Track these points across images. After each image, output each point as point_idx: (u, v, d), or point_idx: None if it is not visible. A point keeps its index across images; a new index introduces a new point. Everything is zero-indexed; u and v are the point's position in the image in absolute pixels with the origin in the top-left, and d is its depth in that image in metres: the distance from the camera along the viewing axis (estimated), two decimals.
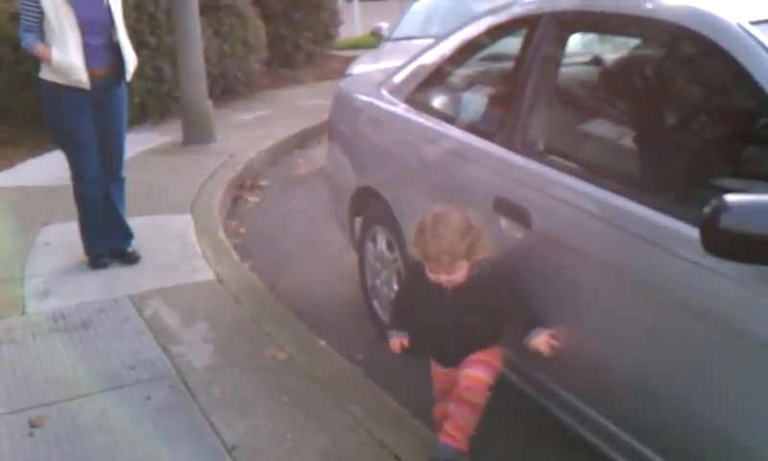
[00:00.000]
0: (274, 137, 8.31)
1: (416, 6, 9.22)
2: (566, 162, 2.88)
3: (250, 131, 8.62)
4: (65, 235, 5.16)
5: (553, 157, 2.93)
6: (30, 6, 4.42)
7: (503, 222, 2.93)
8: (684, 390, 2.29)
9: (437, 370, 2.98)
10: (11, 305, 4.33)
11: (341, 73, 11.01)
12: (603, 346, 2.59)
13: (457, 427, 2.80)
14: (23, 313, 4.24)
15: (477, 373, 2.80)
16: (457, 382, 2.81)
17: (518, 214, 2.86)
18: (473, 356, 2.83)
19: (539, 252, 2.81)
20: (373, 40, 11.26)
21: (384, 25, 9.16)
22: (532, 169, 2.91)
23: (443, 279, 2.75)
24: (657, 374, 2.38)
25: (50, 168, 6.84)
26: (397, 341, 2.97)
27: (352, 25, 17.12)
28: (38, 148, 7.79)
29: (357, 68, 7.60)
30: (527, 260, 2.87)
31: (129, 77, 4.69)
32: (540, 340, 2.73)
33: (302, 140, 8.59)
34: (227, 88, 10.02)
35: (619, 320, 2.52)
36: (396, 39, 8.49)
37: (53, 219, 5.62)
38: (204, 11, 8.24)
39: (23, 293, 4.49)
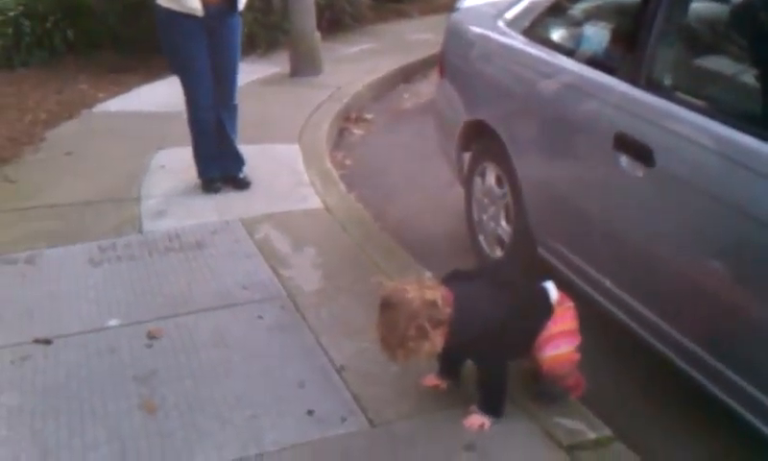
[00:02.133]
0: (379, 71, 8.27)
1: None
2: (693, 100, 2.78)
3: (356, 64, 8.61)
4: (179, 159, 5.30)
5: (679, 94, 2.84)
6: None
7: (623, 159, 2.86)
8: None
9: None
10: (128, 224, 4.50)
11: (448, 7, 10.81)
12: (724, 288, 2.51)
13: (562, 384, 2.80)
14: (140, 231, 4.40)
15: (551, 352, 2.70)
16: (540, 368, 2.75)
17: (641, 152, 2.78)
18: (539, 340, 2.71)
19: (661, 190, 2.74)
20: None
21: None
22: (657, 106, 2.83)
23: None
24: None
25: (164, 94, 7.03)
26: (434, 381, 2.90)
27: None
28: (152, 75, 7.98)
29: (468, 1, 7.45)
30: (648, 199, 2.80)
31: (241, 6, 4.72)
32: (476, 420, 2.66)
33: (408, 75, 8.52)
34: (333, 21, 9.99)
35: (743, 262, 2.44)
36: None
37: (167, 143, 5.78)
38: None
39: (140, 212, 4.66)
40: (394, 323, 2.53)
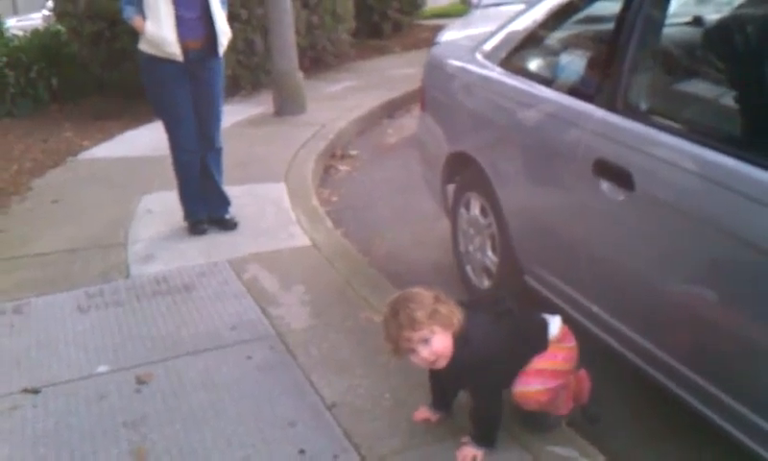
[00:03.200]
0: (363, 107, 8.35)
1: None
2: (670, 123, 2.82)
3: (339, 101, 8.68)
4: (165, 203, 5.32)
5: (656, 118, 2.87)
6: None
7: (604, 185, 2.89)
8: None
9: None
10: (115, 269, 4.50)
11: (429, 42, 10.98)
12: (708, 308, 2.53)
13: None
14: (127, 276, 4.40)
15: (521, 387, 2.68)
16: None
17: (620, 176, 2.80)
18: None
19: (642, 214, 2.76)
20: (460, 9, 11.21)
21: None
22: (634, 130, 2.86)
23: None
24: (765, 334, 2.32)
25: (149, 139, 7.06)
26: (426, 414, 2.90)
27: None
28: (136, 120, 8.03)
29: (447, 35, 7.55)
30: (629, 223, 2.83)
31: (222, 50, 4.74)
32: (469, 452, 2.65)
33: (391, 110, 8.60)
34: (315, 60, 10.11)
35: (726, 282, 2.46)
36: (486, 6, 8.40)
37: (153, 187, 5.80)
38: None
39: (126, 257, 4.66)
40: (419, 299, 2.54)
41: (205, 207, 5.01)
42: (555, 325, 2.75)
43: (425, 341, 2.53)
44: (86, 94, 9.33)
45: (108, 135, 7.84)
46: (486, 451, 2.66)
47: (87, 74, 9.20)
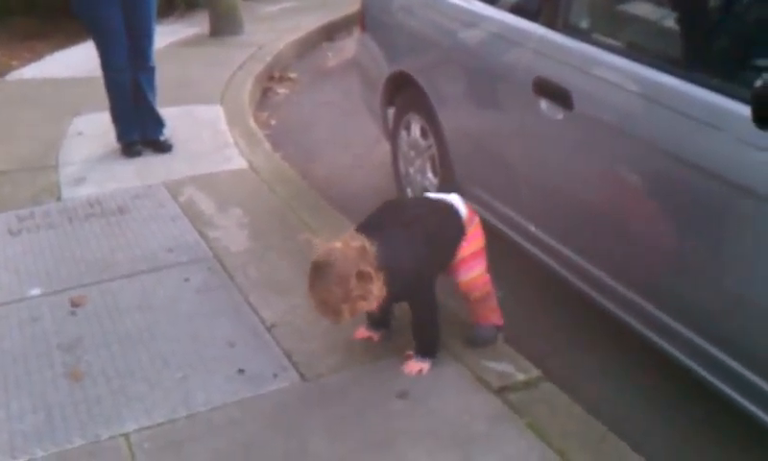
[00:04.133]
0: (302, 29, 8.16)
1: None
2: (610, 41, 2.82)
3: (277, 22, 8.47)
4: (97, 125, 5.16)
5: (596, 37, 2.87)
6: None
7: (543, 103, 2.89)
8: (720, 266, 2.29)
9: None
10: (47, 192, 4.37)
11: None
12: (645, 226, 2.57)
13: (492, 309, 2.86)
14: (59, 199, 4.28)
15: (466, 275, 2.76)
16: (457, 290, 2.81)
17: (559, 95, 2.80)
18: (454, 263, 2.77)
19: (579, 133, 2.77)
20: None
21: None
22: (574, 49, 2.85)
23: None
24: (696, 250, 2.37)
25: (81, 59, 6.80)
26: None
27: None
28: (66, 40, 7.73)
29: None
30: (567, 142, 2.84)
31: None
32: (414, 366, 2.70)
33: (331, 32, 8.43)
34: None
35: (658, 197, 2.50)
36: None
37: (84, 109, 5.61)
38: None
39: (58, 180, 4.53)
40: (335, 279, 2.47)
41: (139, 129, 4.87)
42: (461, 205, 2.80)
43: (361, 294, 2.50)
44: (14, 13, 8.92)
45: (37, 56, 7.56)
46: (431, 362, 2.70)
47: None
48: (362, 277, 2.47)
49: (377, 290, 2.52)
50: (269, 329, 2.98)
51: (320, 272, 2.51)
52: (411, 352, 2.75)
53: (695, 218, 2.36)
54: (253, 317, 3.08)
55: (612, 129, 2.63)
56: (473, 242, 2.78)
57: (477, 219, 2.85)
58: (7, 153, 4.96)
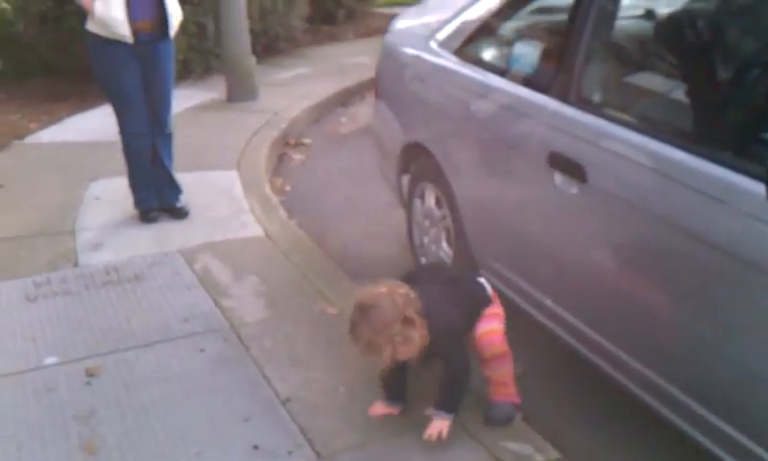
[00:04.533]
0: (316, 95, 8.28)
1: None
2: (623, 116, 2.84)
3: (292, 88, 8.60)
4: (115, 190, 5.22)
5: (609, 111, 2.90)
6: None
7: (558, 177, 2.91)
8: (736, 343, 2.28)
9: None
10: (63, 257, 4.40)
11: (382, 31, 10.86)
12: (656, 299, 2.57)
13: (500, 383, 2.85)
14: (76, 265, 4.30)
15: (485, 327, 2.83)
16: (475, 346, 2.83)
17: (574, 169, 2.82)
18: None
19: (594, 206, 2.79)
20: None
21: None
22: (587, 122, 2.88)
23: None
24: (710, 326, 2.36)
25: (98, 123, 6.89)
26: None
27: None
28: (84, 103, 7.84)
29: (401, 23, 7.51)
30: (582, 216, 2.85)
31: (172, 32, 4.66)
32: (436, 426, 2.71)
33: (344, 98, 8.54)
34: (268, 45, 9.96)
35: (673, 273, 2.50)
36: None
37: (102, 173, 5.67)
38: None
39: (75, 246, 4.56)
40: (380, 320, 2.55)
41: (156, 195, 4.92)
42: (487, 285, 2.96)
43: (403, 339, 2.56)
44: (33, 75, 9.08)
45: (56, 118, 7.65)
46: (450, 420, 2.73)
47: (34, 54, 8.94)
48: (407, 322, 2.57)
49: (419, 337, 2.59)
50: (284, 403, 2.97)
51: (365, 313, 2.58)
52: (431, 411, 2.76)
53: (709, 294, 2.36)
54: (268, 390, 3.07)
55: (627, 203, 2.64)
56: (494, 309, 2.88)
57: (495, 295, 2.95)
58: (24, 217, 5.00)
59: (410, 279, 2.80)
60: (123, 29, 4.42)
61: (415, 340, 2.58)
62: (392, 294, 2.59)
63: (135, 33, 4.47)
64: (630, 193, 2.63)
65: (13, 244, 4.61)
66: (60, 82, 8.56)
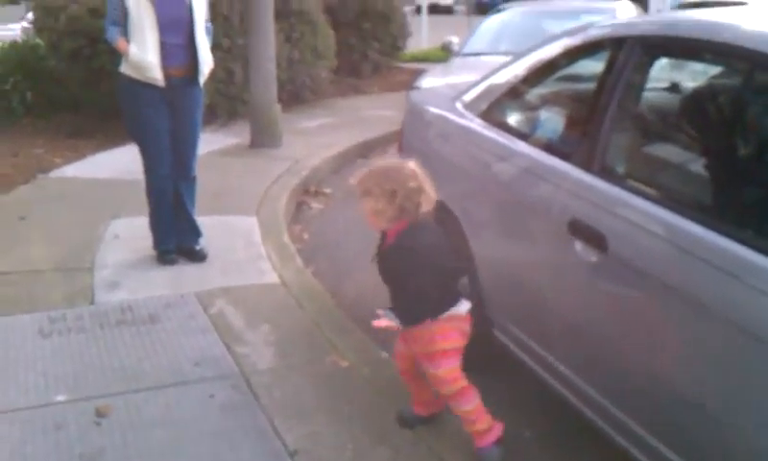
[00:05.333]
0: (338, 145, 8.36)
1: (486, 22, 9.21)
2: (645, 188, 2.84)
3: (315, 137, 8.69)
4: (134, 229, 5.26)
5: (632, 182, 2.90)
6: (115, 1, 4.53)
7: (578, 245, 2.90)
8: (755, 418, 2.25)
9: (396, 350, 3.16)
10: (80, 295, 4.42)
11: (406, 85, 11.07)
12: (674, 373, 2.54)
13: (472, 421, 2.93)
14: (92, 303, 4.33)
15: (432, 371, 2.91)
16: (433, 383, 2.95)
17: (594, 238, 2.82)
18: (417, 351, 2.96)
19: (614, 276, 2.78)
20: (439, 54, 11.32)
21: (454, 39, 9.15)
22: (610, 193, 2.88)
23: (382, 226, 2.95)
24: (727, 401, 2.33)
25: (122, 161, 7.00)
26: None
27: (419, 37, 17.16)
28: (109, 141, 7.96)
29: (427, 82, 7.62)
30: (601, 285, 2.84)
31: (203, 79, 4.75)
32: (383, 322, 2.88)
33: (366, 150, 8.61)
34: (294, 94, 10.11)
35: (691, 348, 2.48)
36: (466, 55, 8.48)
37: (123, 212, 5.73)
38: (277, 16, 8.29)
39: (92, 283, 4.59)
40: (381, 173, 2.90)
41: (176, 237, 4.96)
42: (465, 304, 2.99)
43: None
44: (61, 110, 9.23)
45: (81, 154, 7.77)
46: (398, 327, 2.87)
47: (63, 90, 9.11)
48: (391, 195, 2.84)
49: (390, 215, 2.85)
50: (291, 456, 2.95)
51: (381, 164, 3.01)
52: (382, 311, 2.90)
53: (728, 369, 2.33)
54: (276, 441, 3.05)
55: (646, 274, 2.63)
56: (449, 340, 2.91)
57: (464, 326, 2.97)
58: (44, 252, 5.04)
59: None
60: (156, 73, 4.51)
61: (373, 208, 2.87)
62: (413, 174, 2.85)
63: (167, 77, 4.55)
64: (649, 264, 2.62)
65: (32, 277, 4.65)
66: (87, 118, 8.70)
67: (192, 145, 4.88)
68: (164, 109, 4.67)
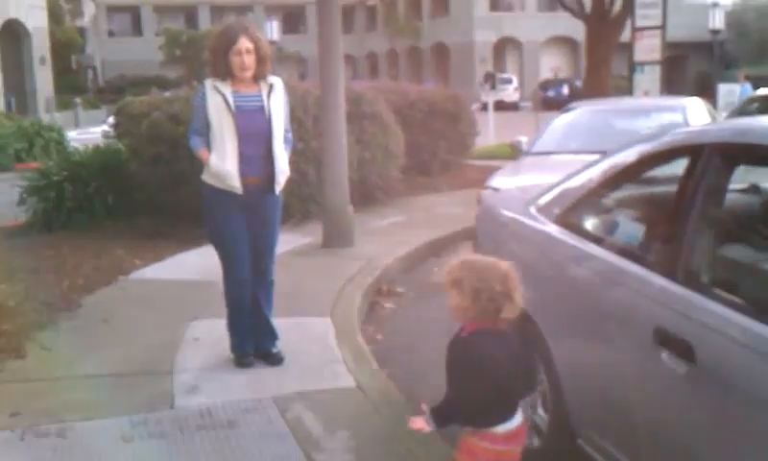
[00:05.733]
0: (410, 244, 8.42)
1: (556, 121, 9.28)
2: (733, 297, 2.79)
3: (386, 236, 8.78)
4: (213, 332, 5.35)
5: (718, 291, 2.85)
6: (199, 112, 4.74)
7: (664, 354, 2.85)
8: None
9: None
10: (160, 398, 4.49)
11: (476, 182, 11.15)
12: None
13: None
14: (172, 407, 4.39)
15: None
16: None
17: (681, 348, 2.77)
18: None
19: (703, 388, 2.71)
20: (507, 151, 11.40)
21: (523, 139, 9.23)
22: (695, 301, 2.83)
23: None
24: None
25: (198, 263, 7.16)
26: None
27: (486, 134, 17.34)
28: (187, 243, 8.15)
29: (498, 181, 7.67)
30: (690, 397, 2.77)
31: (278, 188, 4.85)
32: (419, 423, 2.90)
33: (438, 248, 8.65)
34: (365, 193, 10.26)
35: None
36: (536, 154, 8.53)
37: (201, 314, 5.84)
38: (348, 118, 8.52)
39: (172, 386, 4.66)
40: (473, 268, 2.90)
41: (253, 340, 5.02)
42: (519, 416, 2.92)
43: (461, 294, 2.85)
44: (140, 213, 9.53)
45: (160, 256, 7.96)
46: (432, 429, 2.89)
47: (143, 193, 9.42)
48: (470, 291, 2.83)
49: (460, 306, 2.86)
50: None
51: (475, 259, 3.03)
52: (425, 410, 2.89)
53: None
54: None
55: (739, 389, 2.56)
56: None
57: (502, 447, 2.88)
58: (125, 354, 5.16)
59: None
60: (234, 181, 4.65)
61: (458, 304, 2.85)
62: (503, 277, 2.84)
63: (245, 185, 4.69)
64: (740, 378, 2.55)
65: (114, 381, 4.75)
66: (165, 221, 8.95)
67: (270, 251, 4.99)
68: (243, 215, 4.80)
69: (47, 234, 9.06)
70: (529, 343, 3.12)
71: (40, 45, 31.45)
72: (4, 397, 4.55)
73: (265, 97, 4.76)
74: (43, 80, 31.63)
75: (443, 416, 2.89)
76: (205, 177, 4.79)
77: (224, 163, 4.66)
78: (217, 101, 4.67)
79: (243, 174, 4.70)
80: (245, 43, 4.63)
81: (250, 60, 4.65)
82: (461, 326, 2.95)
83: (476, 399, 2.81)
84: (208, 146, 4.73)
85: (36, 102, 30.52)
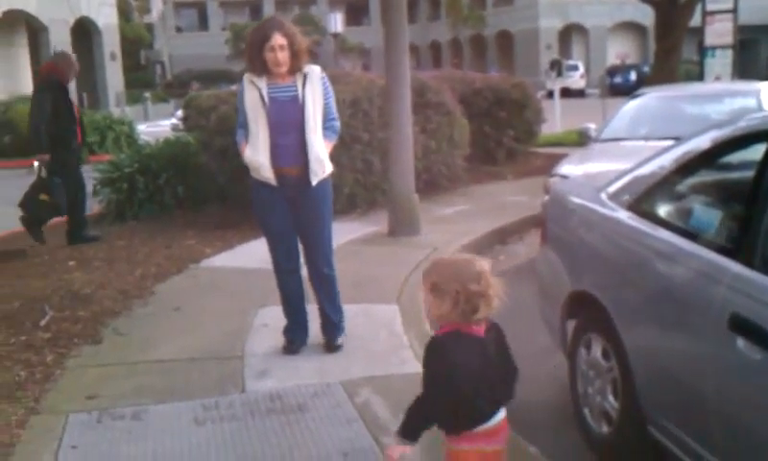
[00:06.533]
0: (475, 232, 8.39)
1: (625, 107, 9.12)
2: None
3: (452, 224, 8.76)
4: (281, 318, 5.38)
5: None
6: (240, 106, 4.84)
7: (740, 341, 2.79)
8: None
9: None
10: (231, 382, 4.58)
11: (542, 170, 11.06)
12: None
13: None
14: (243, 391, 4.47)
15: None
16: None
17: (758, 335, 2.71)
18: None
19: None
20: (573, 138, 11.27)
21: (591, 125, 9.10)
22: None
23: None
24: None
25: (266, 252, 7.11)
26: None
27: (552, 121, 17.14)
28: (254, 231, 8.21)
29: (566, 169, 7.59)
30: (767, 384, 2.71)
31: (314, 179, 4.74)
32: (395, 451, 2.79)
33: (503, 236, 8.61)
34: (430, 182, 10.25)
35: None
36: (605, 140, 8.41)
37: (269, 301, 5.90)
38: (414, 108, 8.51)
39: (243, 371, 4.74)
40: (439, 270, 2.79)
41: (301, 331, 5.09)
42: (500, 413, 2.87)
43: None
44: (209, 203, 9.71)
45: (228, 245, 8.10)
46: (411, 446, 2.79)
47: (211, 184, 9.58)
48: (440, 292, 2.72)
49: (434, 312, 2.78)
50: None
51: (442, 260, 2.93)
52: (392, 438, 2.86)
53: None
54: None
55: None
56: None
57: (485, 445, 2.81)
58: (197, 340, 5.27)
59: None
60: (267, 172, 4.71)
61: (439, 311, 2.74)
62: (477, 276, 2.71)
63: (281, 176, 4.74)
64: None
65: (186, 365, 4.86)
66: (233, 210, 9.08)
67: (318, 243, 4.93)
68: (283, 206, 4.82)
69: (119, 224, 9.30)
70: (506, 349, 3.01)
71: (110, 42, 32.14)
72: (81, 380, 4.70)
73: (300, 86, 4.72)
74: (113, 75, 32.34)
75: (411, 428, 2.82)
76: (251, 170, 4.86)
77: (256, 154, 4.71)
78: (253, 95, 4.71)
79: (278, 165, 4.71)
80: (278, 39, 4.62)
81: (283, 55, 4.63)
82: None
83: (443, 401, 2.74)
84: (248, 139, 4.80)
85: (106, 97, 31.24)
